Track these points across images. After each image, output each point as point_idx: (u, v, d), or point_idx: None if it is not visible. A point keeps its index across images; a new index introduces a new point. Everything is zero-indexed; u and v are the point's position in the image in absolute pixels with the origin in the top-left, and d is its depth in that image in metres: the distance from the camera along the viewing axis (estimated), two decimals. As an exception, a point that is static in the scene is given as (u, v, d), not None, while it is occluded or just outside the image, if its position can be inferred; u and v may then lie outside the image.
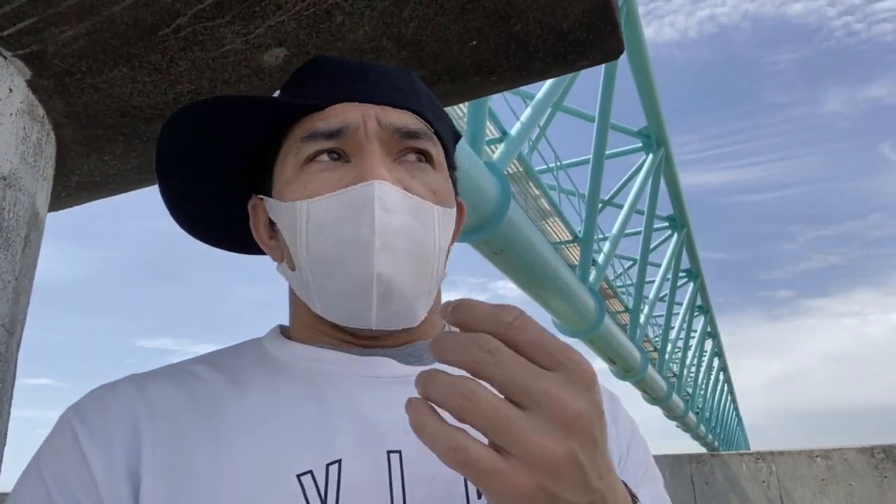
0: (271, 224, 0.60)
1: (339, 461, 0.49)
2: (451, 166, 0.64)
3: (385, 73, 0.59)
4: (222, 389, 0.54)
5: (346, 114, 0.55)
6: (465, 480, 0.50)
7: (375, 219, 0.51)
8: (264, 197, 0.60)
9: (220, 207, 0.66)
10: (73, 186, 1.28)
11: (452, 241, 0.63)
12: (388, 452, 0.50)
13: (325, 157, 0.55)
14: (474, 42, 1.14)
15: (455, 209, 0.60)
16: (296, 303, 0.61)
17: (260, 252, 0.67)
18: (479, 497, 0.50)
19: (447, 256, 0.60)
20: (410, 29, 1.03)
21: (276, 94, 0.61)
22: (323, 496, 0.47)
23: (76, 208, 1.48)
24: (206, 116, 0.57)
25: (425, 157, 0.57)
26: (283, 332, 0.63)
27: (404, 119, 0.56)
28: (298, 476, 0.47)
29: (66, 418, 0.52)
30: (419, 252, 0.53)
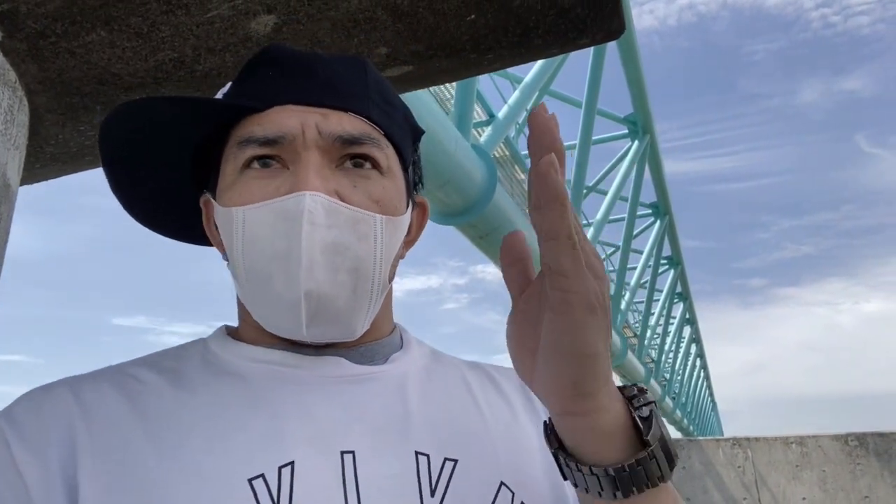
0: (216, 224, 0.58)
1: (292, 463, 0.47)
2: (408, 165, 0.60)
3: (334, 70, 0.56)
4: (165, 392, 0.52)
5: (284, 120, 0.52)
6: (419, 478, 0.50)
7: (303, 234, 0.48)
8: (210, 197, 0.58)
9: (176, 200, 0.63)
10: (46, 157, 1.22)
11: (410, 245, 0.62)
12: (342, 453, 0.49)
13: (259, 163, 0.52)
14: (472, 16, 1.10)
15: (407, 213, 0.58)
16: (242, 304, 0.58)
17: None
18: (433, 495, 0.49)
19: (398, 261, 0.59)
20: (407, -1, 0.99)
21: (228, 86, 0.59)
22: (276, 500, 0.45)
23: (54, 181, 1.42)
24: (146, 116, 0.55)
25: (370, 162, 0.54)
26: (230, 332, 0.60)
27: (346, 125, 0.53)
28: (250, 480, 0.46)
29: None
30: (356, 266, 0.51)
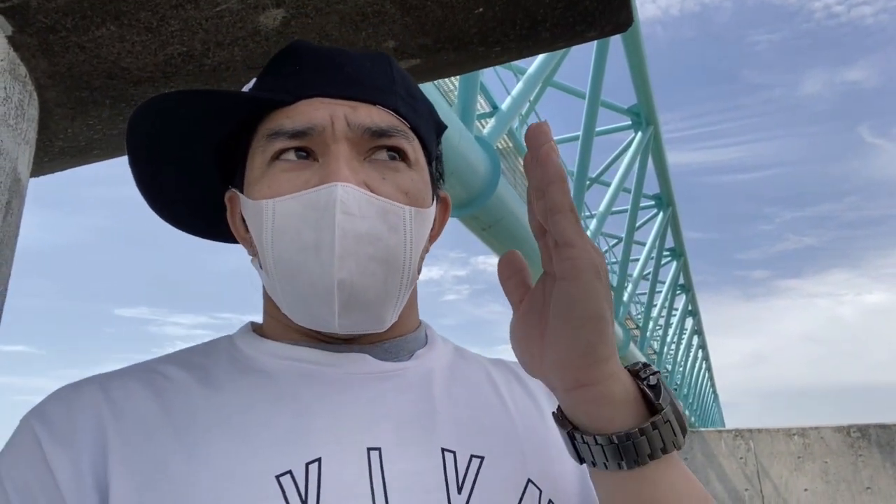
0: (244, 218, 0.58)
1: (319, 460, 0.47)
2: (433, 159, 0.61)
3: (361, 64, 0.57)
4: (192, 390, 0.52)
5: (313, 112, 0.52)
6: (446, 475, 0.50)
7: (336, 224, 0.49)
8: (237, 192, 0.58)
9: (197, 196, 0.63)
10: (56, 151, 1.22)
11: (433, 239, 0.62)
12: (368, 449, 0.49)
13: (291, 155, 0.53)
14: (480, 9, 1.10)
15: (433, 207, 0.58)
16: (269, 299, 0.59)
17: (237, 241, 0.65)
18: (459, 492, 0.49)
19: (424, 255, 0.59)
20: (416, -8, 0.99)
21: (253, 82, 0.59)
22: (303, 497, 0.45)
23: (54, 173, 1.42)
24: (171, 111, 0.54)
25: (399, 154, 0.55)
26: (256, 329, 0.61)
27: (375, 117, 0.53)
28: (277, 477, 0.46)
29: (27, 422, 0.49)
30: (387, 257, 0.51)
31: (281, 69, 0.57)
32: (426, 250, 0.60)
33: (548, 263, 0.47)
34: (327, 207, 0.49)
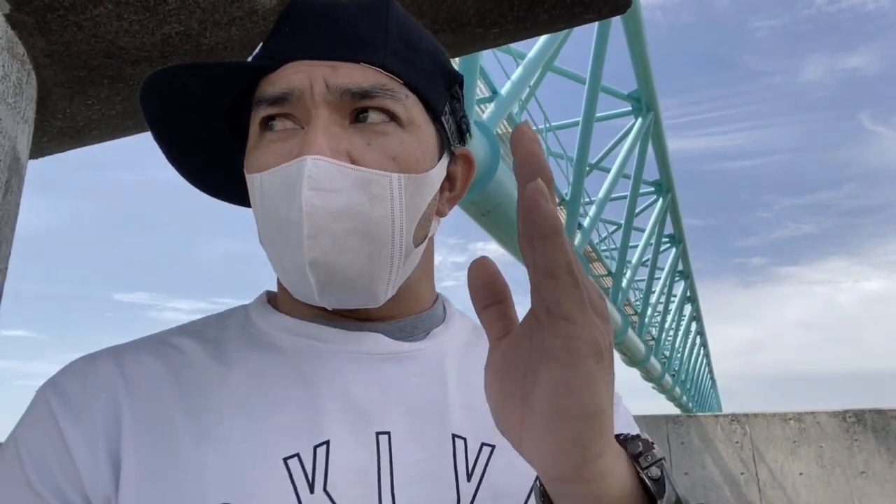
0: None
1: (328, 443, 0.47)
2: (439, 115, 0.55)
3: (350, 17, 0.52)
4: (205, 365, 0.51)
5: (292, 76, 0.49)
6: (455, 462, 0.49)
7: (304, 201, 0.46)
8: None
9: (218, 168, 0.61)
10: (54, 131, 1.22)
11: (454, 201, 0.59)
12: (378, 434, 0.48)
13: (278, 123, 0.50)
14: (478, -10, 1.10)
15: (437, 168, 0.54)
16: None
17: None
18: (469, 480, 0.48)
19: (432, 219, 0.55)
20: (413, -28, 0.98)
21: (259, 47, 0.57)
22: (310, 480, 0.45)
23: (52, 156, 1.42)
24: (169, 85, 0.52)
25: (387, 116, 0.50)
26: (271, 298, 0.60)
27: (356, 77, 0.49)
28: (285, 459, 0.46)
29: (43, 394, 0.49)
30: (370, 230, 0.48)
31: (280, 31, 0.54)
32: (441, 214, 0.57)
33: (534, 296, 0.35)
34: (295, 184, 0.46)
